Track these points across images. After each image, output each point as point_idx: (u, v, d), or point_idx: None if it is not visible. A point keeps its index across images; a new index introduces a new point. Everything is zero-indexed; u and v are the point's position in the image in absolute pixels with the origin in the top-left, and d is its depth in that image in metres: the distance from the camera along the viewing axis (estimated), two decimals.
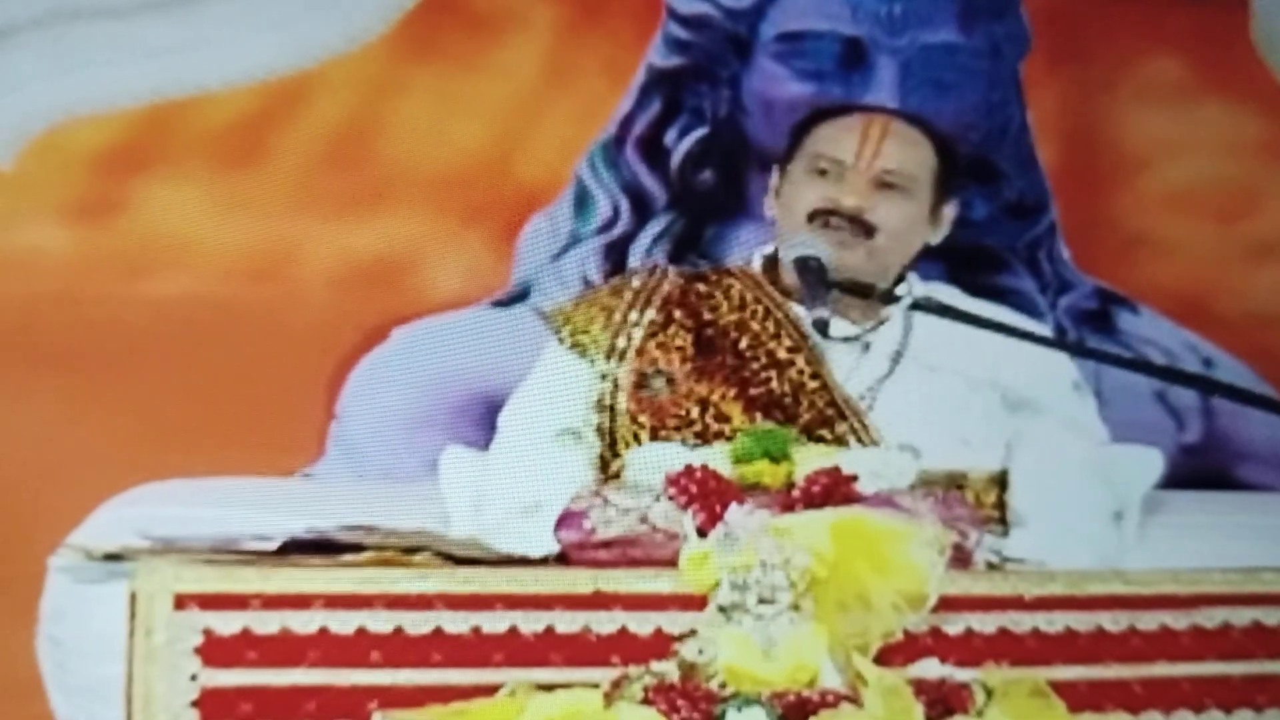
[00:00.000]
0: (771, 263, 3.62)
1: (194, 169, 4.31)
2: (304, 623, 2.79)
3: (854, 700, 2.76)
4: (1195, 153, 4.56)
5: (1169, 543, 3.48)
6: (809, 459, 3.10)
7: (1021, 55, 4.50)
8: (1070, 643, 2.90)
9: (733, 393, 3.46)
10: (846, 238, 3.49)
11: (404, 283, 4.36)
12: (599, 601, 2.84)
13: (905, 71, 4.40)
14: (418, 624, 2.80)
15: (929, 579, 2.84)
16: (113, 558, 2.89)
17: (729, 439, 3.28)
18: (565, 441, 3.46)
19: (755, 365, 3.49)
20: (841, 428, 3.42)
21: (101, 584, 2.89)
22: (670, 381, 3.47)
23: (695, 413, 3.44)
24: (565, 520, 3.06)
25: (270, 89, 4.34)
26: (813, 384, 3.46)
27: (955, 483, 3.29)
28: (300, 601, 2.80)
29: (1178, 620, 2.93)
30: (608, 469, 3.44)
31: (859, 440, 3.40)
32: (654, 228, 4.46)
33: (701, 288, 3.59)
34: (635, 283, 3.61)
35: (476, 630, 2.81)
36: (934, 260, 3.83)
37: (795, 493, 2.98)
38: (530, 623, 2.82)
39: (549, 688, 2.77)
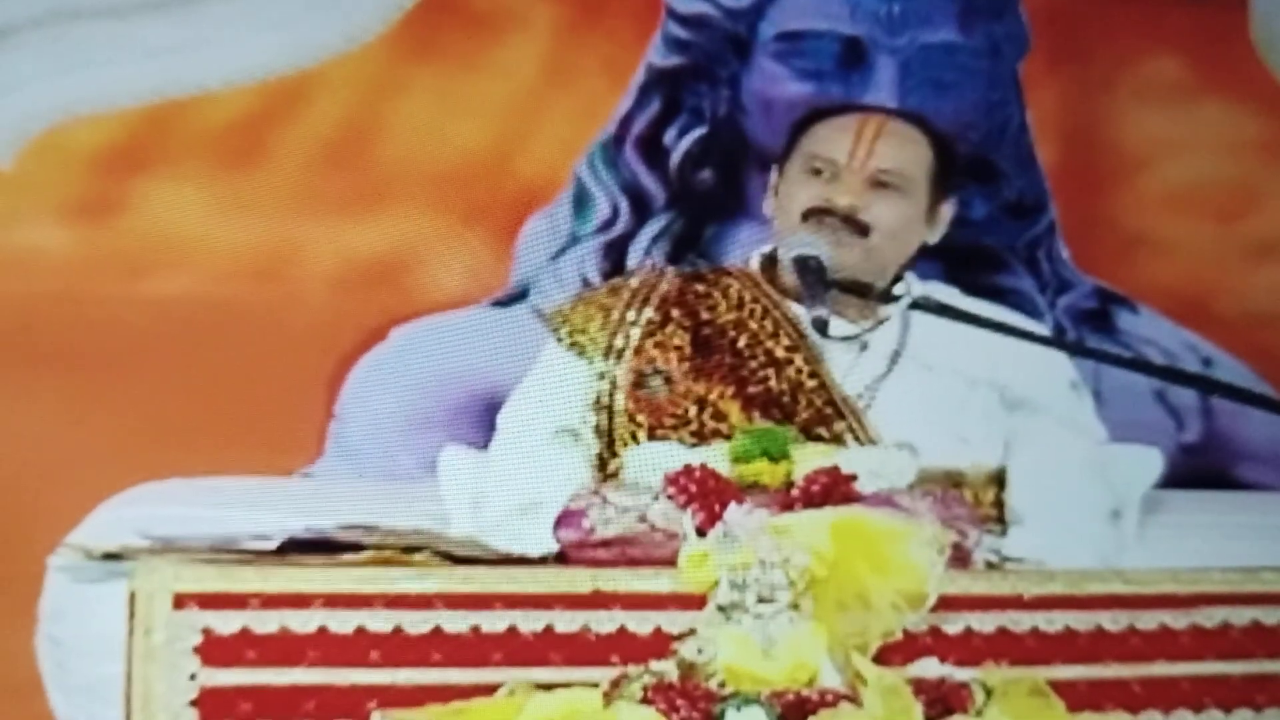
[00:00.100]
0: (770, 262, 3.62)
1: (194, 169, 4.31)
2: (303, 622, 2.79)
3: (853, 699, 2.76)
4: (1195, 152, 4.56)
5: (1168, 542, 3.48)
6: (808, 458, 3.11)
7: (1021, 55, 4.50)
8: (1070, 642, 2.90)
9: (730, 391, 3.46)
10: (841, 237, 3.49)
11: (403, 282, 4.36)
12: (598, 601, 2.84)
13: (905, 71, 4.40)
14: (417, 623, 2.81)
15: (928, 578, 2.84)
16: (112, 557, 2.89)
17: (727, 438, 3.29)
18: (564, 441, 3.46)
19: (753, 364, 3.49)
20: (839, 426, 3.42)
21: (101, 583, 2.90)
22: (668, 381, 3.47)
23: (693, 412, 3.44)
24: (564, 519, 3.06)
25: (270, 89, 4.34)
26: (811, 383, 3.46)
27: (953, 481, 3.30)
28: (299, 601, 2.80)
29: (1177, 620, 2.93)
30: (605, 468, 3.44)
31: (856, 439, 3.40)
32: (653, 227, 4.46)
33: (699, 287, 3.60)
34: (633, 282, 3.61)
35: (476, 629, 2.81)
36: (933, 259, 3.83)
37: (794, 492, 2.99)
38: (529, 622, 2.82)
39: (548, 687, 2.77)
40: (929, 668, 2.82)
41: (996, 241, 4.51)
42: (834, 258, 3.46)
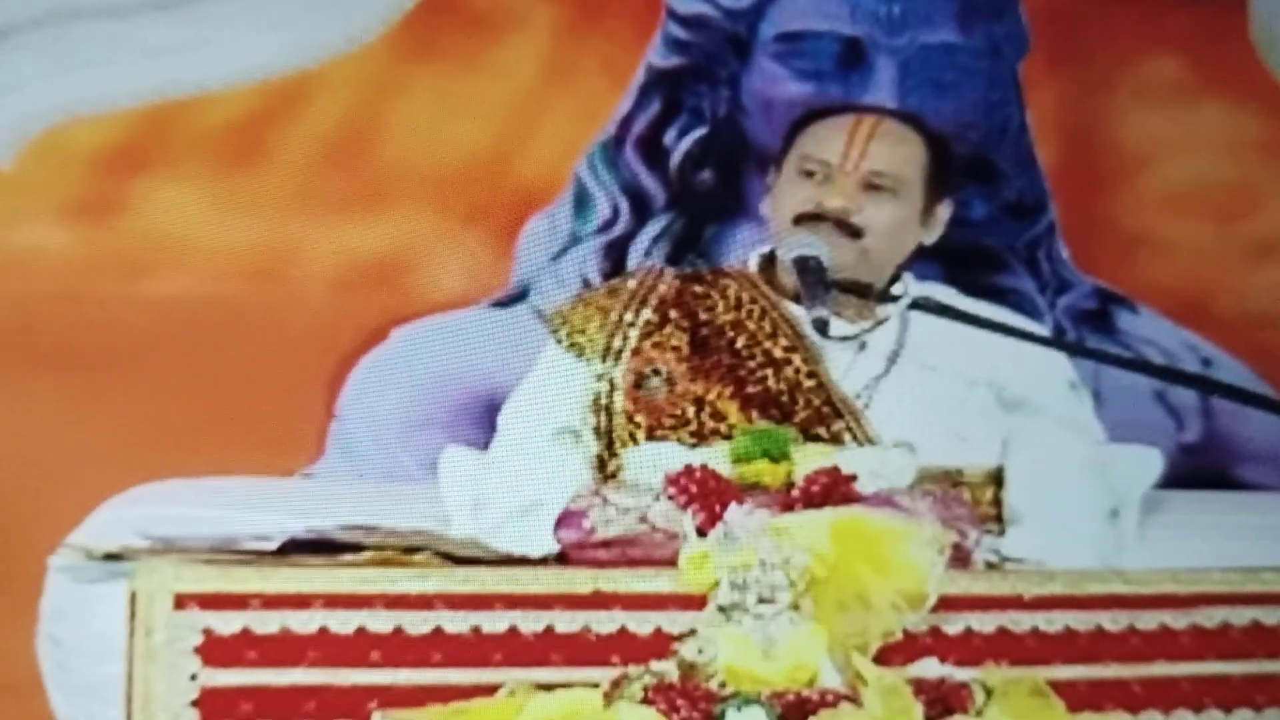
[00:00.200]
0: (768, 262, 3.63)
1: (194, 169, 4.31)
2: (304, 622, 2.79)
3: (853, 700, 2.76)
4: (1194, 152, 4.55)
5: (1168, 542, 3.48)
6: (808, 458, 3.11)
7: (1021, 55, 4.50)
8: (1070, 642, 2.90)
9: (729, 391, 3.46)
10: (834, 239, 3.48)
11: (403, 283, 4.36)
12: (598, 601, 2.84)
13: (904, 71, 4.40)
14: (417, 624, 2.81)
15: (928, 578, 2.84)
16: (113, 557, 2.89)
17: (725, 437, 3.29)
18: (564, 441, 3.46)
19: (751, 364, 3.49)
20: (837, 426, 3.43)
21: (101, 583, 2.90)
22: (667, 381, 3.47)
23: (691, 412, 3.44)
24: (565, 520, 3.06)
25: (270, 89, 4.34)
26: (809, 382, 3.47)
27: (952, 480, 3.30)
28: (300, 601, 2.80)
29: (1177, 620, 2.93)
30: (605, 469, 3.44)
31: (855, 438, 3.40)
32: (653, 228, 4.46)
33: (698, 288, 3.60)
34: (631, 284, 3.61)
35: (476, 630, 2.82)
36: (933, 260, 3.83)
37: (795, 492, 2.99)
38: (530, 622, 2.82)
39: (549, 687, 2.77)
40: (929, 668, 2.82)
41: (996, 242, 4.51)
42: (830, 259, 3.46)
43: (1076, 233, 4.55)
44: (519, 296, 4.40)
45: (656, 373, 3.49)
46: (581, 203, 4.44)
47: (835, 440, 3.39)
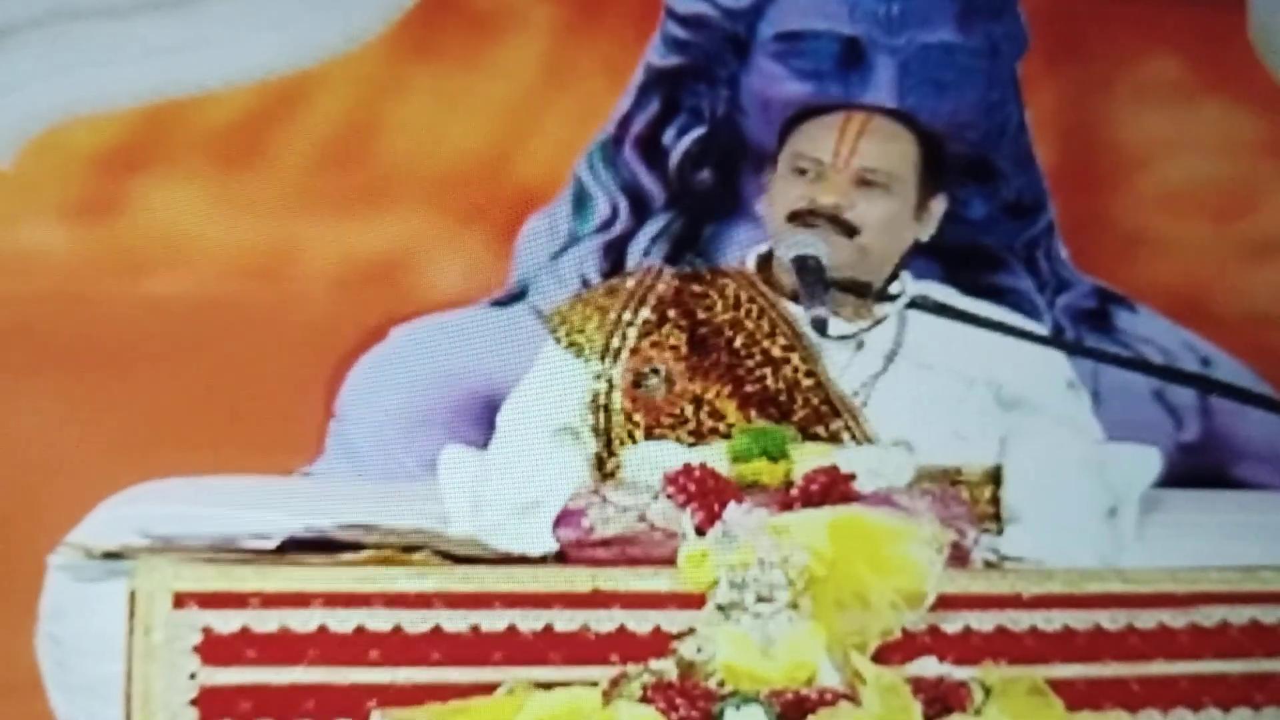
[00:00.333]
0: (766, 261, 3.63)
1: (194, 168, 4.32)
2: (303, 621, 2.80)
3: (852, 698, 2.77)
4: (1193, 152, 4.55)
5: (1167, 541, 3.49)
6: (807, 457, 3.11)
7: (1019, 55, 4.50)
8: (1068, 641, 2.90)
9: (727, 390, 3.46)
10: (831, 237, 3.48)
11: (403, 282, 4.36)
12: (597, 600, 2.84)
13: (903, 71, 4.40)
14: (416, 622, 2.81)
15: (927, 577, 2.84)
16: (112, 556, 2.89)
17: (724, 436, 3.30)
18: (563, 440, 3.46)
19: (750, 363, 3.49)
20: (836, 425, 3.43)
21: (101, 582, 2.90)
22: (666, 380, 3.47)
23: (690, 411, 3.45)
24: (564, 519, 3.06)
25: (270, 89, 4.35)
26: (807, 381, 3.47)
27: (950, 478, 3.30)
28: (299, 600, 2.80)
29: (1176, 618, 2.93)
30: (604, 468, 3.44)
31: (853, 437, 3.40)
32: (652, 227, 4.46)
33: (696, 287, 3.60)
34: (630, 283, 3.61)
35: (475, 629, 2.82)
36: (931, 259, 3.83)
37: (793, 491, 2.99)
38: (529, 621, 2.82)
39: (548, 686, 2.77)
40: (928, 666, 2.82)
41: (995, 241, 4.51)
42: (829, 258, 3.46)
43: (1075, 232, 4.55)
44: (518, 296, 4.40)
45: (655, 372, 3.49)
46: (580, 202, 4.45)
47: (834, 439, 3.39)
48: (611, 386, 3.49)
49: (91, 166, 4.31)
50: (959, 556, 2.97)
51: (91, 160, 4.31)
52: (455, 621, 2.82)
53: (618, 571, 2.89)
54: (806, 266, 3.44)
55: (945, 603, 2.86)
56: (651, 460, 3.23)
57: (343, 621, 2.80)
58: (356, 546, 2.89)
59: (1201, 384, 4.17)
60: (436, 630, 2.81)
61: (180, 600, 2.78)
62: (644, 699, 2.74)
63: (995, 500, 3.36)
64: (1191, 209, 4.55)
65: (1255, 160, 4.56)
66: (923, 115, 3.75)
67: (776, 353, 3.49)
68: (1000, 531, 3.30)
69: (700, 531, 2.89)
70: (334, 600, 2.80)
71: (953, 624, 2.88)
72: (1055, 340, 4.11)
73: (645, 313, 3.55)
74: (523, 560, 2.97)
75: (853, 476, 3.01)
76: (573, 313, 3.58)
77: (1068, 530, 3.31)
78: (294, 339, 4.29)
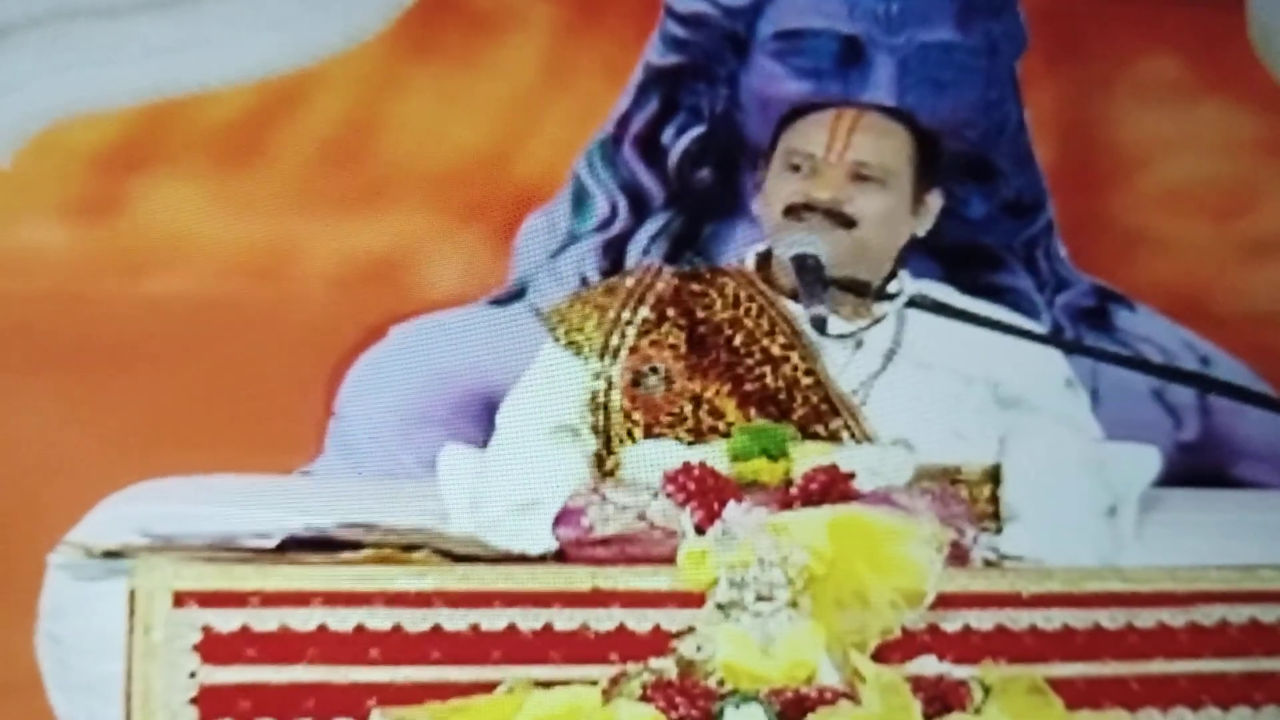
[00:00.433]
0: (765, 260, 3.63)
1: (193, 168, 4.32)
2: (303, 620, 2.79)
3: (852, 697, 2.76)
4: (1192, 151, 4.56)
5: (1166, 540, 3.49)
6: (806, 456, 3.11)
7: (1019, 53, 4.50)
8: (1068, 640, 2.90)
9: (726, 389, 3.46)
10: (828, 231, 3.48)
11: (402, 281, 4.36)
12: (597, 599, 2.84)
13: (903, 70, 4.40)
14: (416, 621, 2.81)
15: (927, 576, 2.84)
16: (112, 555, 2.89)
17: (723, 435, 3.29)
18: (563, 439, 3.46)
19: (749, 362, 3.49)
20: (835, 423, 3.43)
21: (101, 581, 2.90)
22: (665, 379, 3.47)
23: (689, 409, 3.44)
24: (563, 517, 3.06)
25: (270, 88, 4.35)
26: (806, 380, 3.47)
27: (950, 477, 3.30)
28: (299, 599, 2.80)
29: (1175, 617, 2.93)
30: (603, 466, 3.44)
31: (852, 435, 3.40)
32: (651, 226, 4.46)
33: (695, 286, 3.60)
34: (629, 282, 3.61)
35: (475, 627, 2.82)
36: (930, 258, 3.83)
37: (793, 490, 2.99)
38: (529, 620, 2.82)
39: (547, 685, 2.77)
40: (927, 665, 2.82)
41: (994, 240, 4.51)
42: (827, 255, 3.46)
43: (1074, 231, 4.55)
44: (517, 294, 4.40)
45: (654, 370, 3.49)
46: (580, 201, 4.45)
47: (833, 438, 3.39)
48: (611, 385, 3.49)
49: (91, 166, 4.31)
50: (958, 555, 2.97)
51: (91, 159, 4.31)
52: (455, 620, 2.81)
53: (617, 570, 2.89)
54: (805, 265, 3.44)
55: (945, 601, 2.86)
56: (651, 459, 3.24)
57: (343, 620, 2.80)
58: (356, 545, 2.89)
59: (1201, 383, 4.17)
60: (436, 629, 2.81)
61: (180, 599, 2.78)
62: (644, 698, 2.74)
63: (994, 499, 3.36)
64: (1191, 208, 4.55)
65: (1255, 160, 4.57)
66: (922, 114, 3.74)
67: (776, 351, 3.49)
68: (999, 530, 3.30)
69: (700, 530, 2.89)
70: (334, 599, 2.80)
71: (952, 623, 2.88)
72: (1054, 339, 4.11)
73: (644, 311, 3.55)
74: (522, 559, 2.97)
75: (852, 475, 3.01)
76: (572, 311, 3.58)
77: (1067, 529, 3.31)
78: (294, 338, 4.29)
